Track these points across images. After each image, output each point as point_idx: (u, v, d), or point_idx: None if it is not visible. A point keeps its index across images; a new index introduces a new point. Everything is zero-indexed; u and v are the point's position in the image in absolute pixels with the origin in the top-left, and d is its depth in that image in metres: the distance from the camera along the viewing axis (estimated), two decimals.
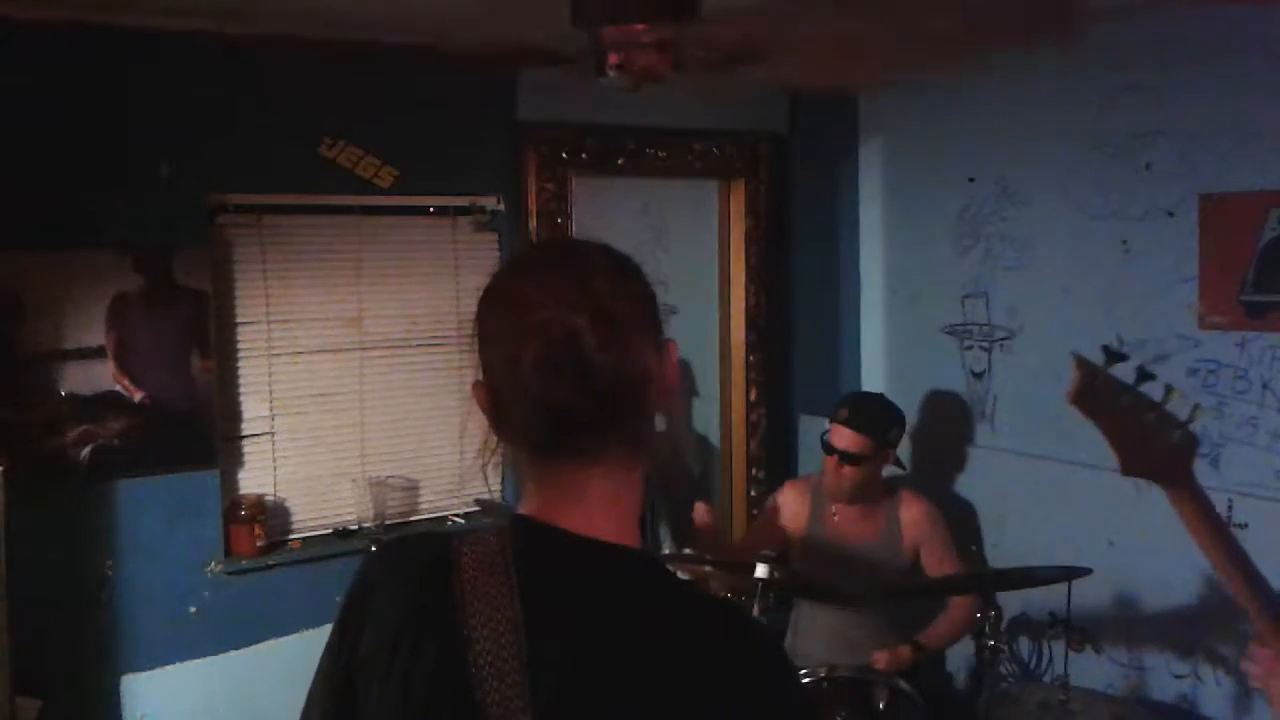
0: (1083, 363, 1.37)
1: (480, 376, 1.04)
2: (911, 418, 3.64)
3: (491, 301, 1.04)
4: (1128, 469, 1.38)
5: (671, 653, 0.95)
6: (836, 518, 3.20)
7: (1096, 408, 1.36)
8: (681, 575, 2.87)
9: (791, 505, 3.29)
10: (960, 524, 3.52)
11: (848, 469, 3.09)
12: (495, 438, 1.05)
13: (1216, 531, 1.38)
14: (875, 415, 3.15)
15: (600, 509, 1.02)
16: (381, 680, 1.01)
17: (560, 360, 0.97)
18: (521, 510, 1.05)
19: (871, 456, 3.10)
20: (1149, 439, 1.34)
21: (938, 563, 3.18)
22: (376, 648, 1.03)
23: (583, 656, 0.94)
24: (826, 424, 3.16)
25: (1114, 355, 1.36)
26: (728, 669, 0.96)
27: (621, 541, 1.02)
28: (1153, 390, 1.38)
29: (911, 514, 3.20)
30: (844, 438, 3.08)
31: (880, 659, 2.96)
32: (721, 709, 0.94)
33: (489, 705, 0.93)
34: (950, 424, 3.60)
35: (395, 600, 1.04)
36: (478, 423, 1.06)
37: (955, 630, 3.14)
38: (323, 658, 1.10)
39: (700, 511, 2.91)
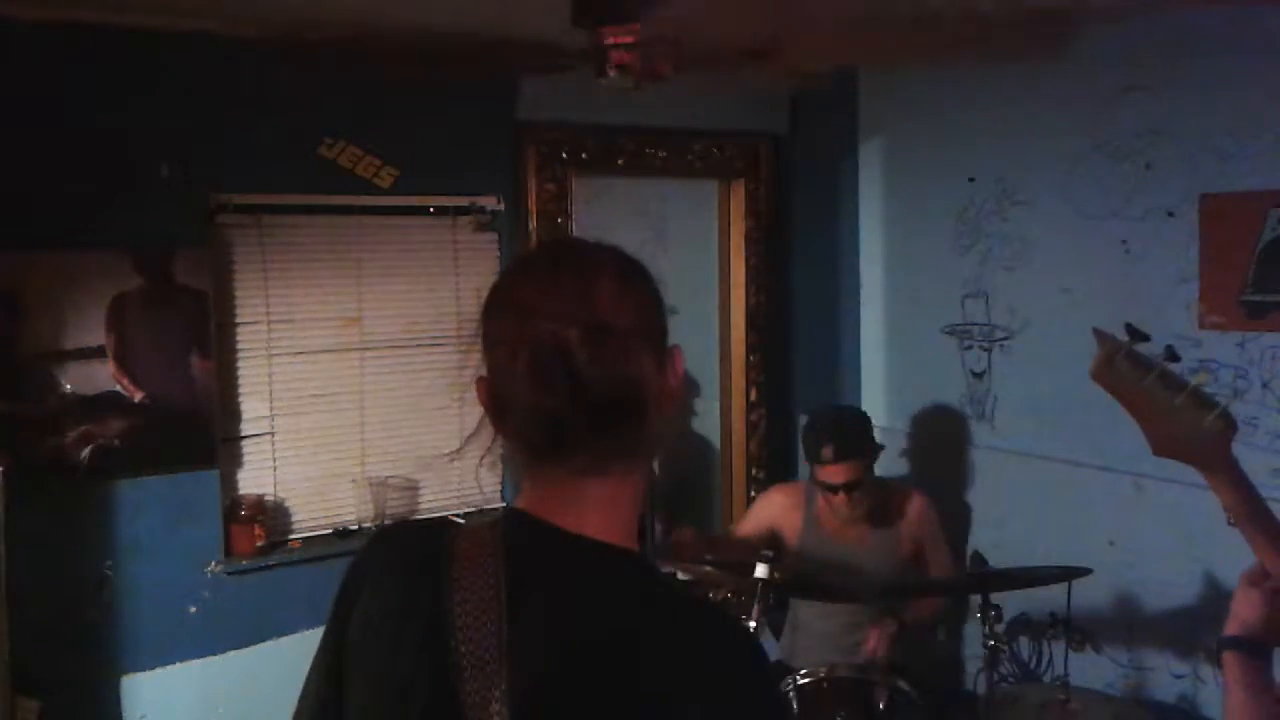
0: (1104, 339, 1.32)
1: (484, 373, 1.05)
2: (912, 418, 3.64)
3: (496, 302, 1.05)
4: (1158, 449, 1.33)
5: (648, 650, 0.95)
6: (831, 524, 3.19)
7: (1118, 385, 1.32)
8: (678, 575, 2.87)
9: (783, 510, 3.28)
10: (960, 524, 3.52)
11: (857, 496, 3.06)
12: (494, 435, 1.06)
13: (1260, 516, 1.32)
14: (857, 438, 3.09)
15: (594, 512, 1.02)
16: (366, 668, 1.03)
17: (550, 372, 0.97)
18: (517, 505, 1.06)
19: (869, 471, 3.09)
20: (1179, 420, 1.29)
21: (939, 558, 3.19)
22: (364, 636, 1.04)
23: (560, 650, 0.95)
24: (809, 462, 3.14)
25: (1137, 334, 1.31)
26: (703, 669, 0.96)
27: (612, 541, 1.02)
28: (1181, 371, 1.33)
29: (911, 511, 3.19)
30: (840, 473, 3.02)
31: (871, 639, 2.98)
32: (694, 707, 0.94)
33: (467, 694, 0.94)
34: (950, 424, 3.60)
35: (385, 589, 1.05)
36: (476, 422, 1.07)
37: (937, 606, 3.20)
38: (319, 644, 1.11)
39: (685, 533, 2.92)
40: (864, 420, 3.20)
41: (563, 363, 0.97)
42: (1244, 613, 1.30)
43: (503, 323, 1.02)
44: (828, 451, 3.03)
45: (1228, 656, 1.29)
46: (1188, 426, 1.29)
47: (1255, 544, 1.33)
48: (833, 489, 3.05)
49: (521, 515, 1.04)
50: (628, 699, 0.93)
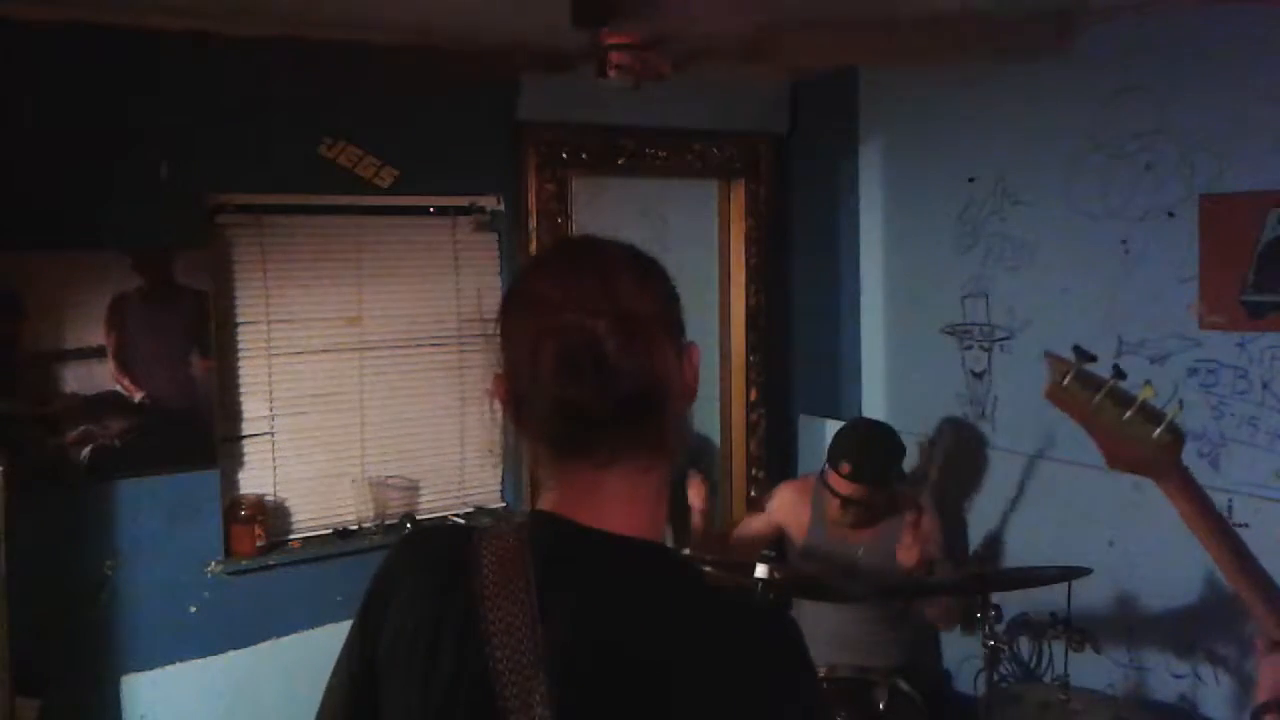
0: (1054, 360, 1.38)
1: (501, 370, 1.05)
2: (911, 418, 3.64)
3: (515, 298, 1.05)
4: (1112, 463, 1.39)
5: (687, 644, 0.96)
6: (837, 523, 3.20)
7: (1070, 404, 1.37)
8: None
9: (791, 507, 3.29)
10: (960, 524, 3.52)
11: (852, 510, 3.07)
12: (515, 431, 1.06)
13: (1212, 522, 1.37)
14: (876, 464, 3.08)
15: (617, 507, 1.02)
16: (402, 677, 1.02)
17: (579, 362, 0.97)
18: (540, 506, 1.06)
19: (875, 496, 3.08)
20: (1129, 434, 1.35)
21: (940, 570, 3.14)
22: (397, 643, 1.04)
23: (598, 650, 0.95)
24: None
25: (1083, 355, 1.37)
26: (743, 660, 0.97)
27: (640, 536, 1.02)
28: (1133, 387, 1.38)
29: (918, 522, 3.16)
30: (846, 488, 3.04)
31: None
32: (738, 699, 0.94)
33: (507, 700, 0.94)
34: (950, 424, 3.60)
35: (416, 596, 1.05)
36: (479, 423, 1.07)
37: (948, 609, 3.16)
38: (343, 649, 1.11)
39: (695, 491, 2.94)
40: (896, 450, 3.15)
41: (591, 353, 0.97)
42: (1276, 683, 1.34)
43: (523, 318, 1.02)
44: (845, 468, 3.04)
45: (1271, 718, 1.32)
46: (1138, 440, 1.35)
47: (1210, 549, 1.38)
48: (835, 493, 3.07)
49: (547, 516, 1.04)
50: (670, 696, 0.93)
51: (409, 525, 3.31)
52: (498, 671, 0.95)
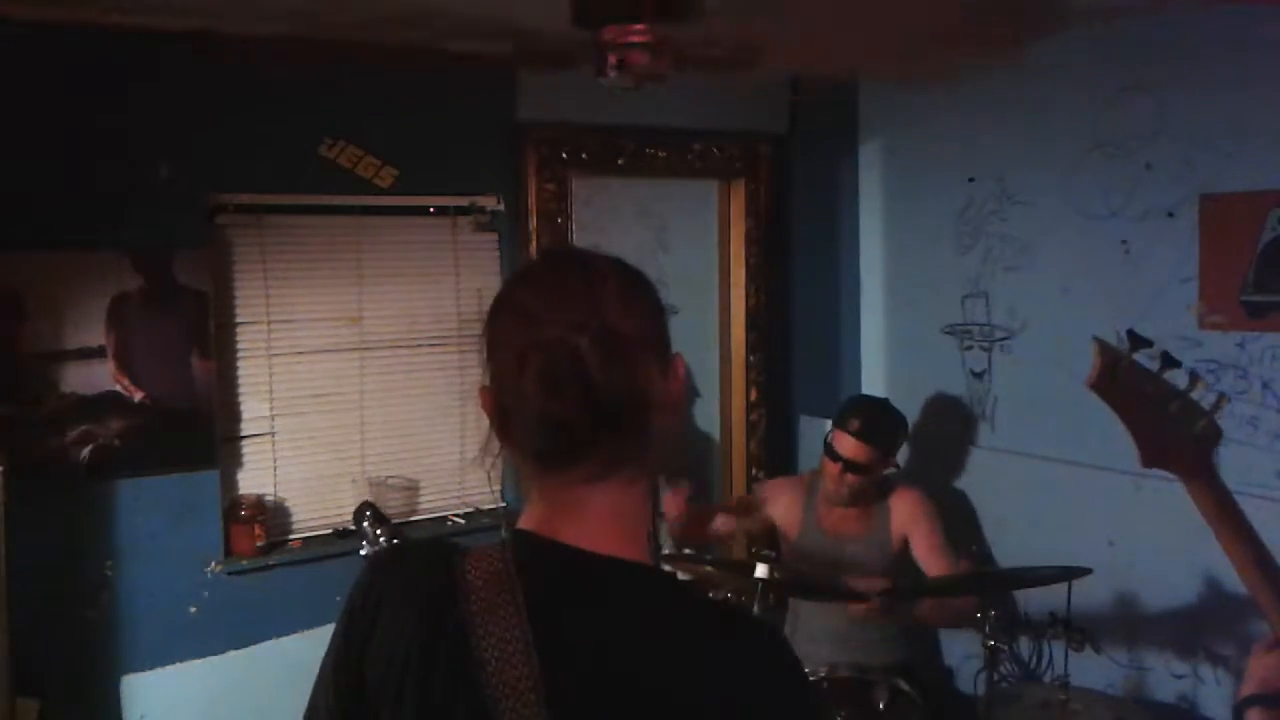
0: (1105, 348, 1.31)
1: (487, 382, 1.04)
2: (911, 418, 3.64)
3: (501, 310, 1.04)
4: (1148, 460, 1.33)
5: (682, 662, 0.96)
6: (830, 519, 3.20)
7: (1118, 394, 1.31)
8: (683, 578, 2.87)
9: (782, 504, 3.28)
10: (960, 524, 3.51)
11: (851, 476, 3.08)
12: (498, 442, 1.05)
13: (1236, 525, 1.34)
14: (886, 427, 3.12)
15: (602, 523, 1.02)
16: (392, 705, 1.01)
17: (561, 377, 0.97)
18: (523, 524, 1.05)
19: (877, 465, 3.10)
20: (1171, 429, 1.30)
21: (927, 550, 3.11)
22: (386, 670, 1.02)
23: (595, 671, 0.95)
24: (829, 426, 3.15)
25: (1138, 340, 1.30)
26: (738, 674, 0.96)
27: (624, 554, 1.02)
28: (1176, 379, 1.33)
29: (900, 502, 3.17)
30: (851, 448, 3.05)
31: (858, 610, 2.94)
32: (735, 713, 0.94)
33: None
34: (950, 424, 3.60)
35: (402, 621, 1.03)
36: (479, 424, 1.07)
37: (944, 615, 3.11)
38: (324, 669, 1.09)
39: (669, 503, 2.93)
40: (901, 421, 3.21)
41: (574, 369, 0.97)
42: (1264, 675, 1.31)
43: (509, 330, 1.02)
44: (854, 423, 3.07)
45: (1253, 713, 1.30)
46: (1179, 434, 1.30)
47: (1229, 550, 1.35)
48: (836, 458, 3.07)
49: (531, 536, 1.03)
50: (668, 714, 0.94)
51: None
52: (495, 699, 0.94)
